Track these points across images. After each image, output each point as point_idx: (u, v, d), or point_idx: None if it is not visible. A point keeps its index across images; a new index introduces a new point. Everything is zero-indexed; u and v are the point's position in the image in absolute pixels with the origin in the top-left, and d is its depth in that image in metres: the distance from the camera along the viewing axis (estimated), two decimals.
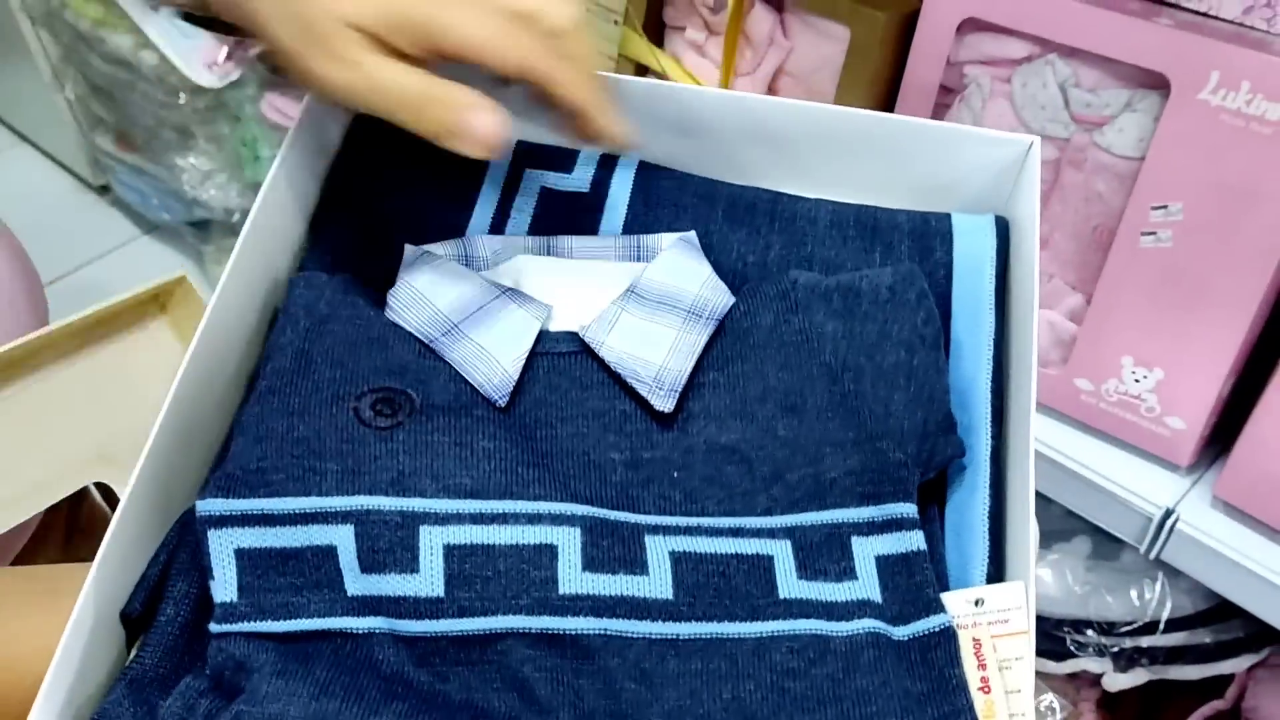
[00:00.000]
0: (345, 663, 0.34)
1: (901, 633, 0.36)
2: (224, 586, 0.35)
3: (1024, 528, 0.38)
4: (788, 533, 0.38)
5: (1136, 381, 0.66)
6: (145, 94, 1.46)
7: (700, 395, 0.41)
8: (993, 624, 0.36)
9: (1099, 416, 0.68)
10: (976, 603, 0.37)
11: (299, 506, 0.36)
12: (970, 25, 0.65)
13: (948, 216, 0.47)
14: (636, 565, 0.36)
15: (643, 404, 0.40)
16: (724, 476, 0.39)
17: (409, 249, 0.44)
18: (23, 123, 1.88)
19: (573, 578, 0.36)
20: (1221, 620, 0.74)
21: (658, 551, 0.37)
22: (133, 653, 0.36)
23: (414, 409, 0.38)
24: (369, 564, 0.35)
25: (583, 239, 0.46)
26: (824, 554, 0.38)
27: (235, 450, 0.37)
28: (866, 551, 0.38)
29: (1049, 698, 0.76)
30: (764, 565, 0.37)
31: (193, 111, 1.41)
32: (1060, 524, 0.78)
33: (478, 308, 0.41)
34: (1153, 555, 0.66)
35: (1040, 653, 0.75)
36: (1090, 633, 0.74)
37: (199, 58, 1.34)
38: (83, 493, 0.56)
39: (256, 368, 0.41)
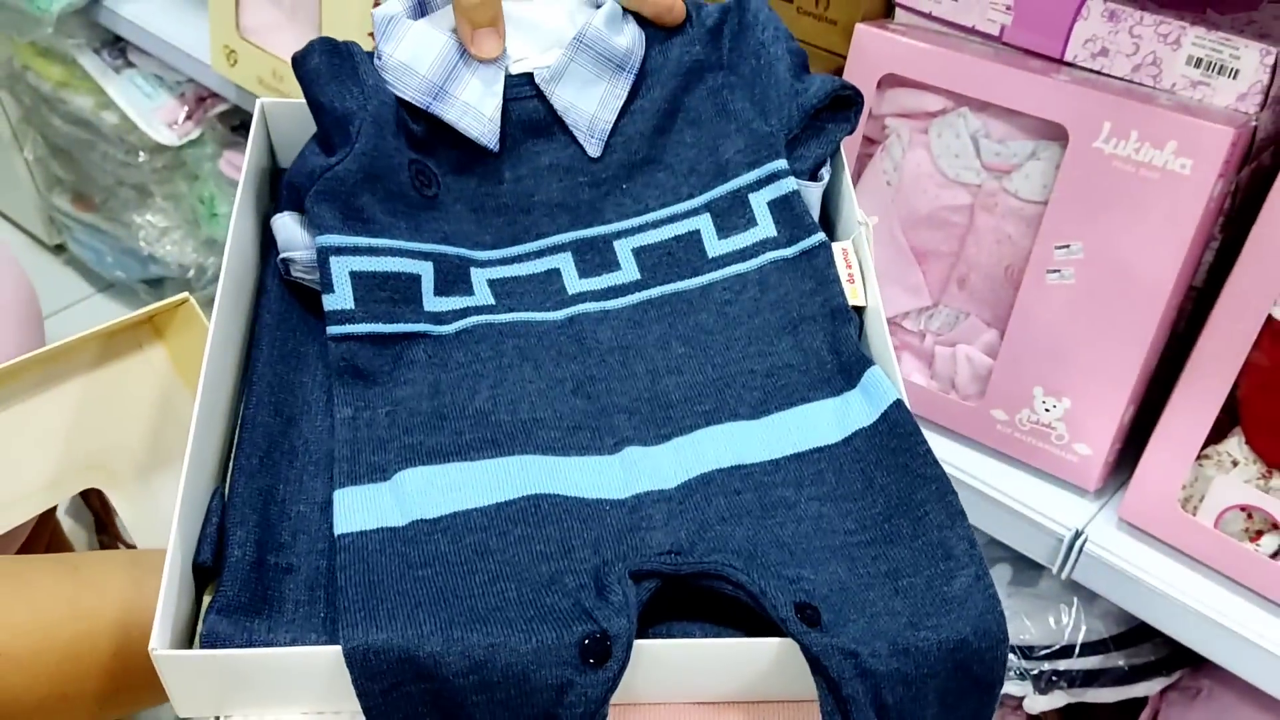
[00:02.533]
0: (433, 356, 0.48)
1: (791, 251, 0.52)
2: (342, 298, 0.47)
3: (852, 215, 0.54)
4: (706, 206, 0.54)
5: (1047, 410, 0.70)
6: (105, 153, 1.49)
7: (632, 121, 0.55)
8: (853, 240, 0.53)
9: (1013, 444, 0.72)
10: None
11: (391, 244, 0.49)
12: (890, 81, 0.71)
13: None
14: (612, 265, 0.53)
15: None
16: (656, 180, 0.55)
17: (374, 13, 0.52)
18: None
19: (573, 284, 0.52)
20: (1134, 644, 0.77)
21: (624, 251, 0.53)
22: (214, 589, 0.41)
23: (438, 180, 0.52)
24: (440, 289, 0.50)
25: None
26: (732, 214, 0.53)
27: (331, 208, 0.48)
28: (759, 201, 0.53)
29: None
30: (695, 237, 0.53)
31: (151, 170, 1.44)
32: (983, 553, 0.82)
33: (453, 67, 0.52)
34: (1064, 575, 0.70)
35: None
36: (1011, 656, 0.77)
37: (159, 117, 1.38)
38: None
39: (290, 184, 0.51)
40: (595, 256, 0.53)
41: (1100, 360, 0.67)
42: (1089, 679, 0.77)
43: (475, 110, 0.52)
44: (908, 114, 0.71)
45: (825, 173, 0.56)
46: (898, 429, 0.45)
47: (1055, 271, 0.67)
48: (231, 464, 0.45)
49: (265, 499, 0.44)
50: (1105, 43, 0.65)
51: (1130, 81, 0.65)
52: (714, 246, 0.53)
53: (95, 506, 0.72)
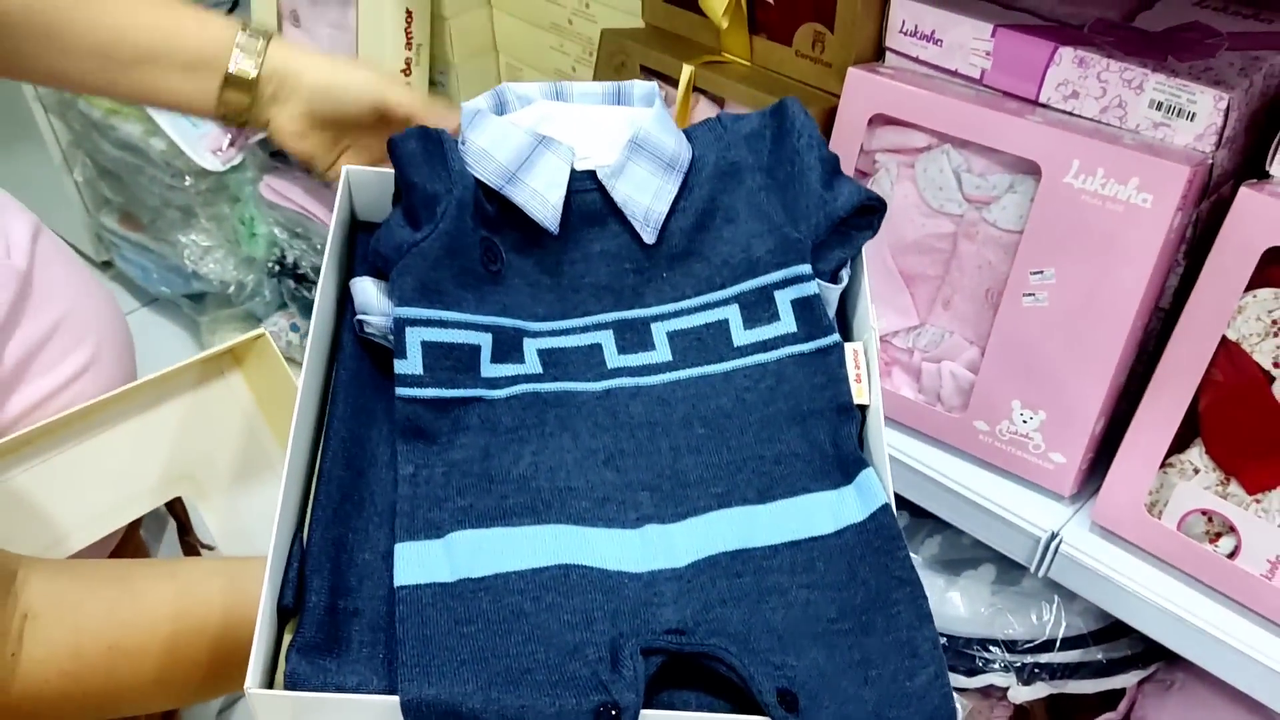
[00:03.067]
0: (485, 420, 0.54)
1: (808, 347, 0.57)
2: (413, 365, 0.53)
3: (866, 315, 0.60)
4: (735, 298, 0.59)
5: (1024, 422, 0.76)
6: (152, 177, 1.57)
7: (676, 218, 0.61)
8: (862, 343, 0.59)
9: (994, 453, 0.78)
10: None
11: (458, 318, 0.55)
12: (879, 119, 0.77)
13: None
14: (648, 345, 0.59)
15: (637, 234, 0.60)
16: (693, 270, 0.60)
17: (464, 106, 0.60)
18: (32, 203, 1.99)
19: (612, 360, 0.58)
20: (1112, 639, 0.83)
21: (659, 333, 0.59)
22: (294, 628, 0.47)
23: (502, 257, 0.58)
24: (496, 358, 0.56)
25: (580, 84, 0.64)
26: (758, 307, 0.58)
27: (412, 282, 0.54)
28: (784, 299, 0.58)
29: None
30: (724, 325, 0.59)
31: (196, 193, 1.52)
32: (969, 553, 0.88)
33: (525, 158, 0.59)
34: (1042, 574, 0.76)
35: (952, 669, 0.84)
36: (996, 650, 0.83)
37: (205, 144, 1.46)
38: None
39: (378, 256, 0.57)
40: (634, 336, 0.59)
41: (1073, 376, 0.73)
42: (1069, 671, 0.82)
43: (542, 196, 0.58)
44: (896, 150, 0.78)
45: (845, 274, 0.61)
46: (883, 531, 0.51)
47: (1030, 295, 0.73)
48: (309, 514, 0.51)
49: (337, 548, 0.50)
50: (1075, 86, 0.71)
51: (1098, 122, 0.71)
52: (740, 336, 0.58)
53: (177, 513, 0.80)
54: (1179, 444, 0.70)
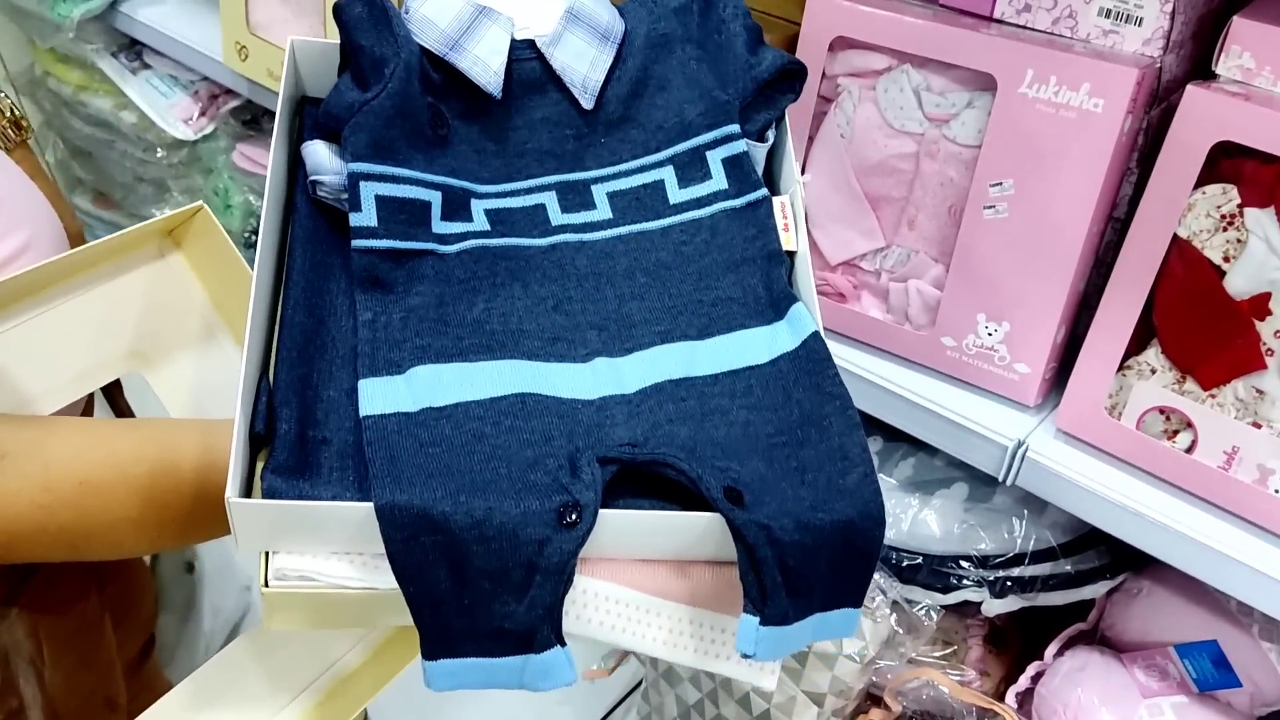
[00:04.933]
0: (438, 272, 0.57)
1: (739, 202, 0.61)
2: (368, 217, 0.56)
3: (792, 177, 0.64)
4: (669, 160, 0.63)
5: (989, 334, 0.78)
6: (124, 152, 1.57)
7: (611, 86, 0.64)
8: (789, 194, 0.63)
9: (962, 368, 0.80)
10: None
11: (409, 174, 0.58)
12: (840, 43, 0.79)
13: None
14: (590, 204, 0.62)
15: (575, 101, 0.63)
16: (629, 134, 0.64)
17: None
18: None
19: (556, 218, 0.61)
20: (1080, 551, 0.85)
21: (600, 194, 0.63)
22: (267, 454, 0.50)
23: (448, 122, 0.61)
24: (446, 215, 0.58)
25: None
26: (691, 167, 0.62)
27: (364, 139, 0.56)
28: (715, 158, 0.62)
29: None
30: (659, 185, 0.62)
31: (169, 165, 1.52)
32: (942, 474, 0.90)
33: (467, 26, 0.61)
34: (1010, 482, 0.78)
35: (928, 586, 0.86)
36: (968, 566, 0.84)
37: (175, 113, 1.46)
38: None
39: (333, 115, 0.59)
40: (575, 196, 0.62)
41: (1033, 286, 0.75)
42: (1039, 584, 0.84)
43: (484, 62, 0.61)
44: (857, 73, 0.79)
45: (771, 135, 0.65)
46: (814, 355, 0.55)
47: (991, 208, 0.74)
48: (274, 355, 0.54)
49: (303, 384, 0.53)
50: (1028, 0, 0.73)
51: (1051, 34, 0.73)
52: (675, 194, 0.62)
53: (120, 407, 0.82)
54: (1136, 346, 0.72)
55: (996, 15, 0.74)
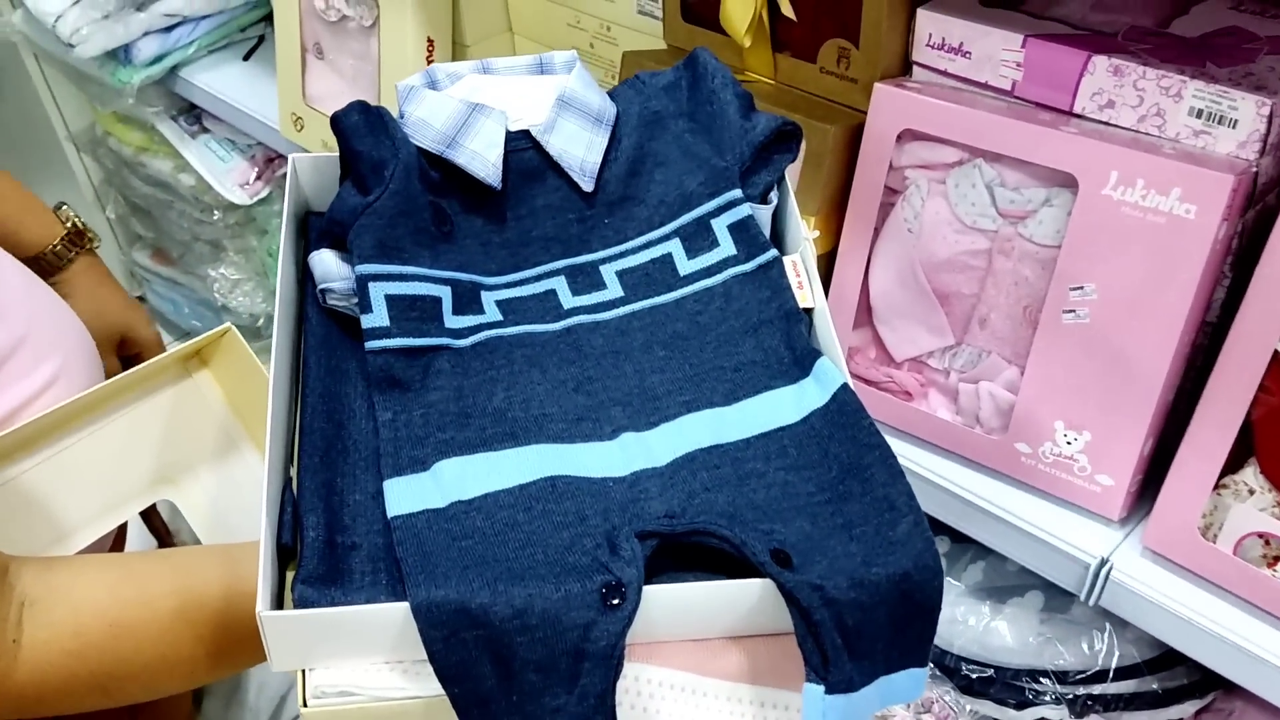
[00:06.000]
0: (455, 366, 0.56)
1: (750, 266, 0.60)
2: (379, 317, 0.55)
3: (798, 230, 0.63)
4: (675, 233, 0.62)
5: (1069, 444, 0.73)
6: (181, 212, 1.58)
7: (609, 168, 0.64)
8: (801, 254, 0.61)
9: (1038, 476, 0.75)
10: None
11: (417, 271, 0.57)
12: (908, 135, 0.75)
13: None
14: (600, 285, 0.61)
15: (575, 185, 0.63)
16: (633, 212, 0.64)
17: (398, 85, 0.63)
18: None
19: (567, 301, 0.60)
20: (1167, 668, 0.80)
21: (609, 274, 0.62)
22: (296, 565, 0.49)
23: (451, 219, 0.61)
24: (458, 309, 0.58)
25: (504, 59, 0.67)
26: (698, 238, 0.61)
27: (370, 241, 0.56)
28: (720, 226, 0.61)
29: None
30: (668, 259, 0.62)
31: (224, 227, 1.53)
32: (1015, 580, 0.85)
33: (462, 123, 0.62)
34: (1092, 603, 0.73)
35: (1001, 702, 0.81)
36: (1046, 682, 0.80)
37: (232, 178, 1.46)
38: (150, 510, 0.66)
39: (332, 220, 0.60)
40: (585, 278, 0.62)
41: (1118, 395, 0.70)
42: (1124, 703, 0.79)
43: (481, 156, 0.62)
44: (926, 165, 0.75)
45: (774, 196, 0.64)
46: (846, 408, 0.53)
47: (1070, 312, 0.70)
48: (296, 463, 0.53)
49: (327, 490, 0.52)
50: (1111, 95, 0.69)
51: (1136, 131, 0.69)
52: (684, 266, 0.61)
53: (157, 527, 0.80)
54: (1232, 464, 0.67)
55: (1077, 110, 0.70)
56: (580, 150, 0.64)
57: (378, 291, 0.56)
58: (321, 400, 0.55)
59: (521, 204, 0.63)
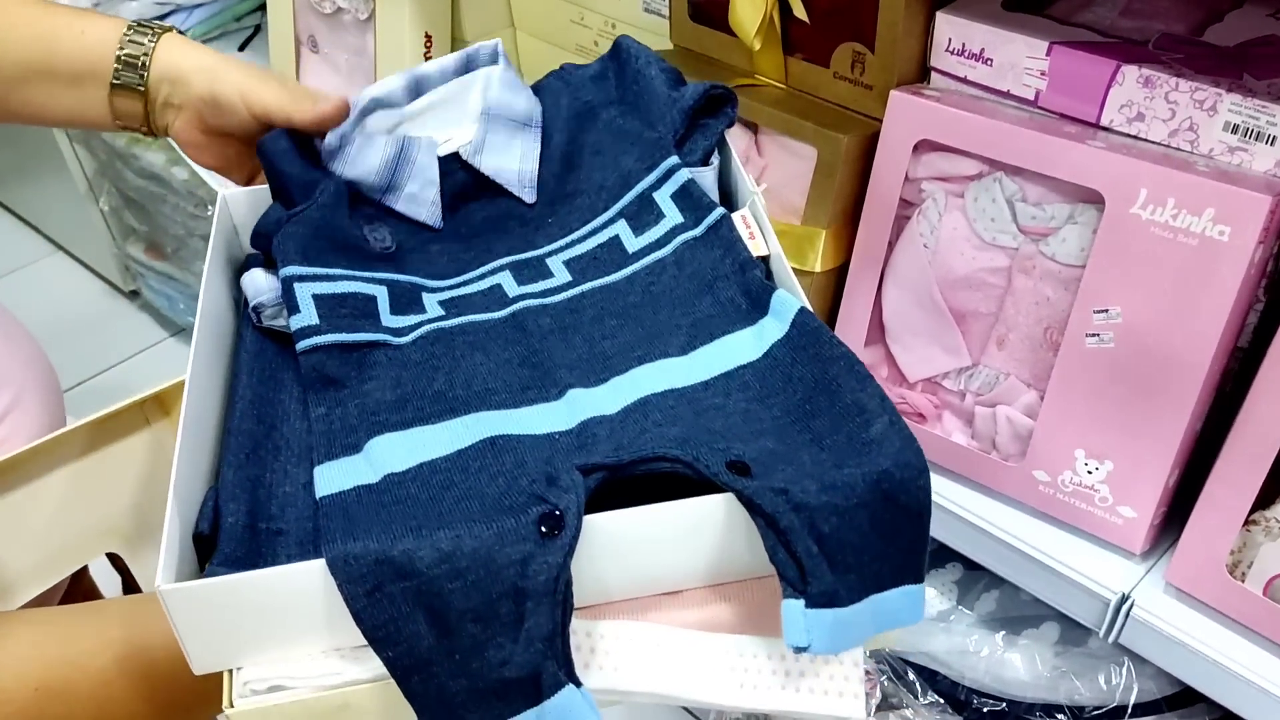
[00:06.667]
0: (392, 359, 0.53)
1: (700, 230, 0.57)
2: (307, 316, 0.52)
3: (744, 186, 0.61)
4: (619, 214, 0.60)
5: (1089, 473, 0.70)
6: (175, 206, 1.54)
7: (545, 167, 0.64)
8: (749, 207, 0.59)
9: (1057, 506, 0.72)
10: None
11: (347, 273, 0.55)
12: (925, 145, 0.71)
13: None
14: (546, 274, 0.59)
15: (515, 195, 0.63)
16: (575, 204, 0.62)
17: (322, 147, 0.61)
18: (58, 232, 1.98)
19: (512, 291, 0.58)
20: (1187, 705, 0.76)
21: (556, 263, 0.59)
22: (218, 547, 0.45)
23: (389, 242, 0.60)
24: (396, 309, 0.55)
25: (434, 64, 0.64)
26: (643, 213, 0.59)
27: (295, 246, 0.54)
28: (663, 196, 0.59)
29: None
30: (615, 241, 0.59)
31: None
32: (1029, 610, 0.82)
33: (394, 167, 0.61)
34: (1111, 640, 0.69)
35: None
36: (1061, 717, 0.76)
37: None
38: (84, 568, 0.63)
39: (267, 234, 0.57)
40: (530, 270, 0.59)
41: (1142, 423, 0.66)
42: None
43: (418, 198, 0.62)
44: (944, 177, 0.72)
45: (715, 159, 0.62)
46: (806, 328, 0.50)
47: (1094, 336, 0.66)
48: (221, 461, 0.50)
49: (254, 484, 0.49)
50: (1141, 108, 0.65)
51: (1167, 146, 0.65)
52: (632, 244, 0.59)
53: (122, 569, 0.77)
54: (1264, 499, 0.64)
55: (1104, 123, 0.67)
56: (514, 162, 0.63)
57: (304, 291, 0.53)
58: (252, 405, 0.52)
59: (463, 223, 0.63)
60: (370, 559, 0.41)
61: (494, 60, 0.65)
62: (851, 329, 0.78)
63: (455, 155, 0.63)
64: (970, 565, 0.85)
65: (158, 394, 0.63)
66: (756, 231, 0.58)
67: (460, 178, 0.63)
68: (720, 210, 0.57)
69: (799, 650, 0.41)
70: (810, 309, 0.51)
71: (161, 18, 1.32)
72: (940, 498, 0.76)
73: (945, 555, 0.85)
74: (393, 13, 1.03)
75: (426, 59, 1.06)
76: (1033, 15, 0.71)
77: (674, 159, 0.59)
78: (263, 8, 1.37)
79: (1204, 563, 0.66)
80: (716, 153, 0.62)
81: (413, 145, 0.62)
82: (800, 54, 0.79)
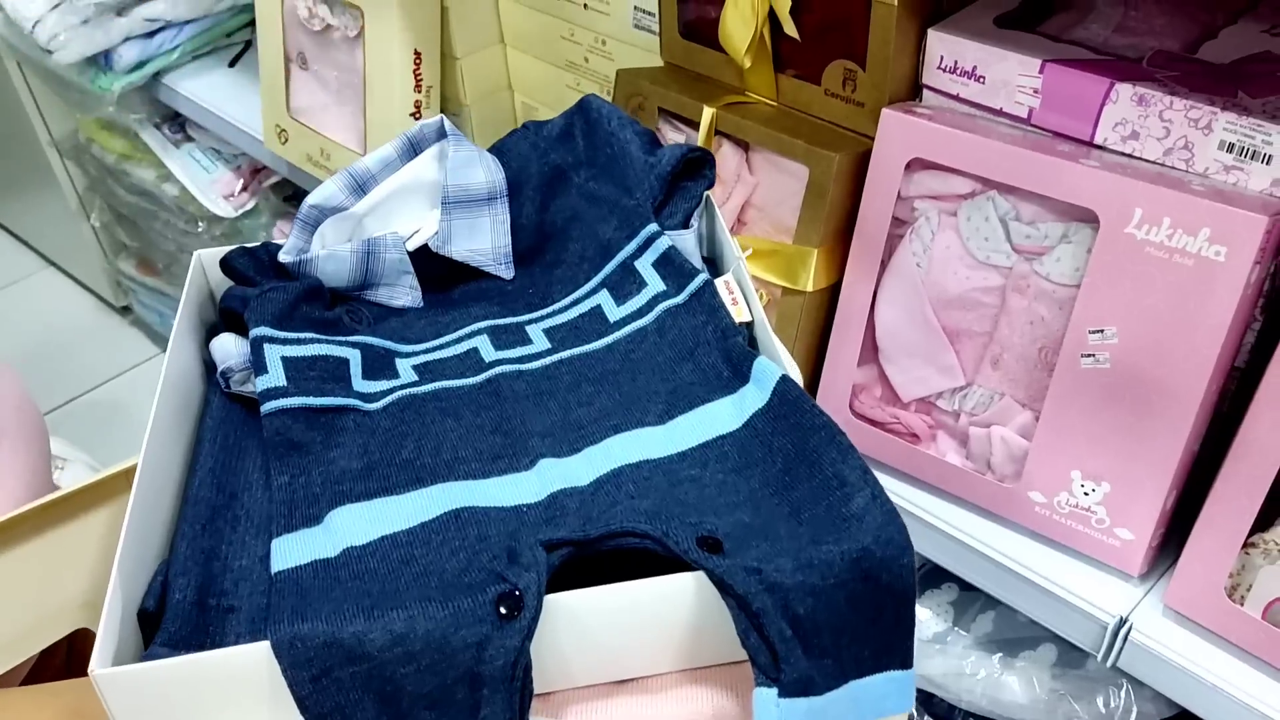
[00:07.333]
0: (360, 425, 0.51)
1: (682, 297, 0.56)
2: (274, 377, 0.51)
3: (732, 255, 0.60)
4: (601, 283, 0.59)
5: (1086, 494, 0.69)
6: (166, 222, 1.54)
7: (519, 239, 0.62)
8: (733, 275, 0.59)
9: (1053, 528, 0.71)
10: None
11: (320, 337, 0.54)
12: (918, 164, 0.70)
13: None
14: (524, 341, 0.57)
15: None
16: (555, 275, 0.61)
17: (283, 260, 0.59)
18: (50, 248, 1.97)
19: (489, 356, 0.56)
20: None
21: (535, 331, 0.58)
22: (162, 626, 0.43)
23: (367, 317, 0.59)
24: (368, 374, 0.54)
25: (372, 158, 0.63)
26: (625, 283, 0.58)
27: (269, 312, 0.53)
28: (644, 265, 0.58)
29: None
30: (597, 311, 0.58)
31: (210, 239, 1.48)
32: (1026, 631, 0.81)
33: (364, 273, 0.60)
34: (1109, 664, 0.69)
35: None
36: None
37: (217, 190, 1.42)
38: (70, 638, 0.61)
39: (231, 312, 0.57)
40: (509, 336, 0.58)
41: (1139, 445, 0.66)
42: None
43: (396, 288, 0.61)
44: (936, 196, 0.71)
45: (695, 221, 0.61)
46: (787, 397, 0.48)
47: (1090, 356, 0.66)
48: (176, 531, 0.47)
49: (208, 556, 0.46)
50: (1135, 126, 0.64)
51: (1162, 165, 0.64)
52: (614, 313, 0.58)
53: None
54: (1262, 521, 0.63)
55: (1098, 141, 0.66)
56: (486, 242, 0.62)
57: (273, 353, 0.52)
58: (212, 473, 0.50)
59: (439, 303, 0.62)
60: (318, 641, 0.39)
61: (441, 136, 0.63)
62: (844, 349, 0.77)
63: (424, 249, 0.61)
64: (966, 586, 0.84)
65: (127, 470, 0.61)
66: (740, 297, 0.57)
67: (435, 263, 0.62)
68: (703, 276, 0.56)
69: None
70: (792, 377, 0.49)
71: (150, 34, 1.32)
72: (935, 519, 0.75)
73: (941, 576, 0.84)
74: (382, 30, 1.02)
75: (415, 76, 1.05)
76: (1025, 32, 0.70)
77: (654, 226, 0.58)
78: (254, 24, 1.37)
79: (1203, 586, 0.65)
80: (698, 215, 0.62)
81: (379, 245, 0.60)
82: (791, 71, 0.79)
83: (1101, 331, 0.65)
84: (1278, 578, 0.63)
